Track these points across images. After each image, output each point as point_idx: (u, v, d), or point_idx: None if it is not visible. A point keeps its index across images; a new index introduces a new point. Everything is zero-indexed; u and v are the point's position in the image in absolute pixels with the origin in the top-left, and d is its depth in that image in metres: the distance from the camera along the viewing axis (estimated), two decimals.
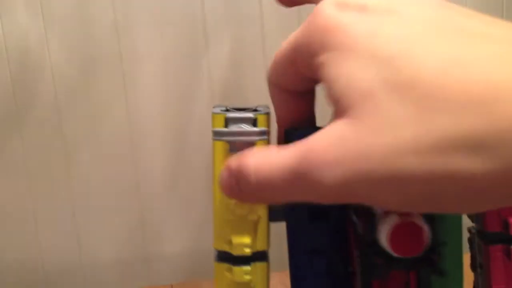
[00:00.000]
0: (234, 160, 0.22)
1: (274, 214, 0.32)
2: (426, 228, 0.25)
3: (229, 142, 0.30)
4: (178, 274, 0.68)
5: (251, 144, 0.30)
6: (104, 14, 0.62)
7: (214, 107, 0.32)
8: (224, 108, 0.32)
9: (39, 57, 0.62)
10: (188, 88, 0.64)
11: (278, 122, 0.27)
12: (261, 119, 0.30)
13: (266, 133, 0.30)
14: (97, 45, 0.62)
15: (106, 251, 0.67)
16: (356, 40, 0.19)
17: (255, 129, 0.30)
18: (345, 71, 0.19)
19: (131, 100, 0.63)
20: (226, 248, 0.31)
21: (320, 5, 0.21)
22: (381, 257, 0.25)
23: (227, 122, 0.30)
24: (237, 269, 0.31)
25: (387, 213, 0.26)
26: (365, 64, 0.18)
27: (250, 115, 0.30)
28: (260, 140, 0.30)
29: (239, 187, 0.22)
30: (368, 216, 0.26)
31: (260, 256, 0.32)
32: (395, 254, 0.25)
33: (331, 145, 0.18)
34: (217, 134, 0.30)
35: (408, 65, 0.17)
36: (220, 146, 0.30)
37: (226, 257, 0.32)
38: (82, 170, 0.65)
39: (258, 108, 0.31)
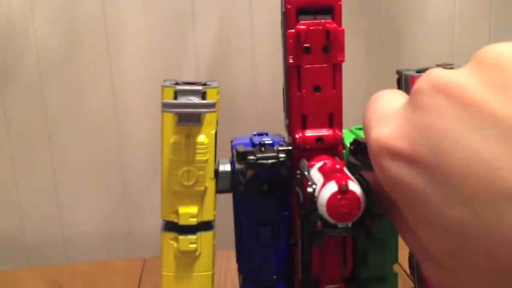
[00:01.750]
0: None
1: (221, 186, 0.33)
2: (361, 196, 0.26)
3: (177, 113, 0.30)
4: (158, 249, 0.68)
5: (199, 115, 0.30)
6: None
7: (164, 81, 0.32)
8: (174, 82, 0.32)
9: (23, 28, 0.62)
10: (174, 64, 0.64)
11: None
12: (210, 92, 0.31)
13: (214, 105, 0.31)
14: (82, 18, 0.62)
15: (87, 224, 0.68)
16: None
17: (203, 101, 0.31)
18: None
19: (116, 74, 0.63)
20: (173, 218, 0.32)
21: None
22: (320, 223, 0.27)
23: (177, 94, 0.31)
24: (182, 238, 0.32)
25: (326, 182, 0.27)
26: None
27: (199, 88, 0.31)
28: (208, 112, 0.31)
29: None
30: (308, 185, 0.27)
31: (205, 226, 0.32)
32: (332, 220, 0.26)
33: None
34: (166, 106, 0.30)
35: None
36: (169, 117, 0.31)
37: (172, 227, 0.32)
38: (64, 142, 0.65)
39: (208, 83, 0.32)
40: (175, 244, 0.32)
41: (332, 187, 0.26)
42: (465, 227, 0.16)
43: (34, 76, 0.63)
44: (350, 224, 0.27)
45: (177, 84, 0.32)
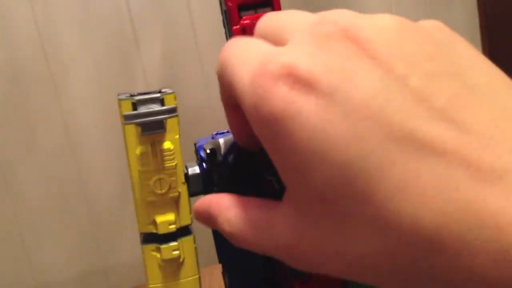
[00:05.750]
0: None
1: (193, 189, 0.33)
2: None
3: (140, 124, 0.30)
4: (136, 281, 0.66)
5: (162, 122, 0.31)
6: (26, 26, 0.60)
7: (119, 95, 0.32)
8: (129, 95, 0.32)
9: None
10: (124, 90, 0.64)
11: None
12: (168, 98, 0.31)
13: (175, 110, 0.31)
14: (22, 58, 0.60)
15: (59, 267, 0.65)
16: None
17: (165, 107, 0.31)
18: None
19: (66, 108, 0.62)
20: (151, 229, 0.32)
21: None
22: None
23: (136, 105, 0.31)
24: (164, 247, 0.32)
25: None
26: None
27: (157, 95, 0.31)
28: (170, 117, 0.31)
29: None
30: None
31: (185, 231, 0.32)
32: None
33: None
34: (127, 118, 0.30)
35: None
36: (131, 129, 0.31)
37: (152, 238, 0.32)
38: (22, 185, 0.62)
39: (162, 90, 0.32)
40: (158, 255, 0.32)
41: None
42: (353, 167, 0.16)
43: None
44: None
45: (132, 95, 0.32)
